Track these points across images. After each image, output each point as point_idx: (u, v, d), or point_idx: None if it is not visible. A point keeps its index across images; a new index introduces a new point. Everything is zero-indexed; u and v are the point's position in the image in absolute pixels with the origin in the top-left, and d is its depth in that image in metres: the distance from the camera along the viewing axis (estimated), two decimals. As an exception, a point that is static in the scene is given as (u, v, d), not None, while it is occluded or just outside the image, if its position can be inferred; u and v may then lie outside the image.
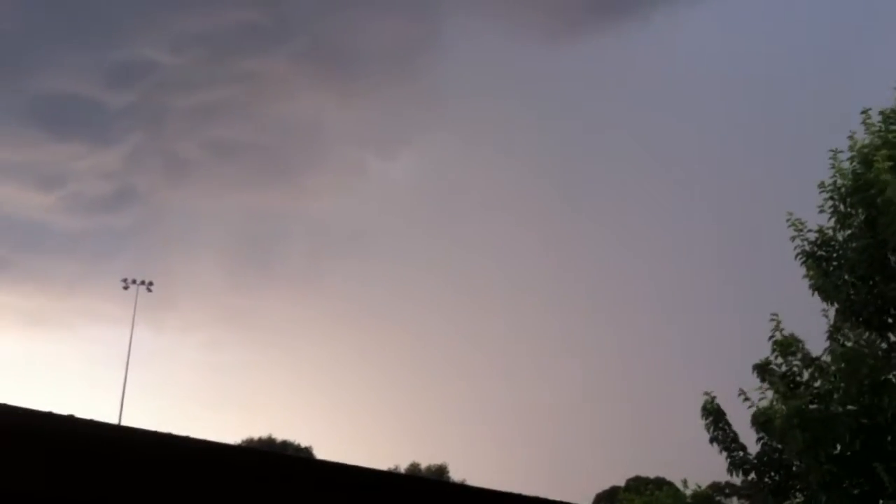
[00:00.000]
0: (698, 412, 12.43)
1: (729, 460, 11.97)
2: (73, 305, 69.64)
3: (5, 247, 67.36)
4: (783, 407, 11.05)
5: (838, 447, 10.85)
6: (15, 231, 67.70)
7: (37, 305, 68.63)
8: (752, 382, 12.14)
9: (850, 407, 11.00)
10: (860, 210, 11.77)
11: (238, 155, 71.42)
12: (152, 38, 63.41)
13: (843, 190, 11.97)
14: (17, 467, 5.48)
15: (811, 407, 11.06)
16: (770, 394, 11.78)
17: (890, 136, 11.70)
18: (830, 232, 12.17)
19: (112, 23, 62.48)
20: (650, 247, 69.03)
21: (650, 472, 40.38)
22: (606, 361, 65.51)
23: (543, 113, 71.20)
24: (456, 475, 48.58)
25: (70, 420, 6.02)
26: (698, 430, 12.52)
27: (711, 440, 12.08)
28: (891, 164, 11.04)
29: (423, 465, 49.91)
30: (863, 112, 12.14)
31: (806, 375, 11.83)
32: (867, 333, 11.19)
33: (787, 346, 11.91)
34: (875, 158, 11.23)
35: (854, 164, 11.94)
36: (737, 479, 12.51)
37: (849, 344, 11.41)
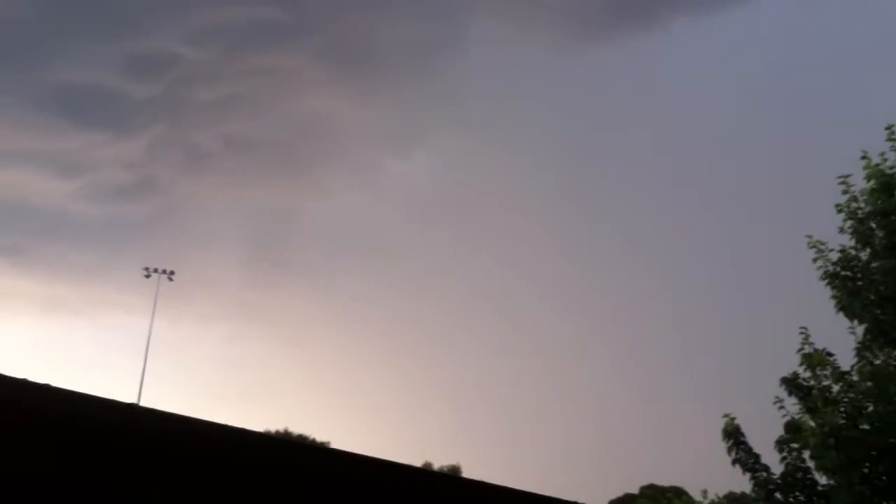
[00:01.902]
0: (715, 420, 12.51)
1: (753, 481, 11.97)
2: (91, 293, 70.06)
3: (24, 233, 67.72)
4: (813, 424, 11.01)
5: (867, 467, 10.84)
6: (34, 218, 68.06)
7: (54, 292, 69.04)
8: (771, 400, 12.26)
9: (877, 425, 10.98)
10: (881, 232, 11.85)
11: (256, 150, 71.56)
12: (174, 30, 63.68)
13: (860, 213, 12.03)
14: (27, 449, 5.53)
15: (841, 424, 11.00)
16: (797, 408, 11.85)
17: None
18: (853, 252, 12.15)
19: (136, 14, 62.75)
20: (671, 254, 68.78)
21: (665, 481, 40.12)
22: (623, 366, 65.36)
23: (561, 118, 70.83)
24: (469, 475, 48.55)
25: (83, 398, 6.06)
26: (715, 439, 12.58)
27: (734, 462, 12.08)
28: None
29: (437, 464, 49.97)
30: (888, 128, 12.13)
31: (836, 390, 11.78)
32: (894, 353, 11.16)
33: (816, 360, 11.90)
34: None
35: (871, 182, 11.97)
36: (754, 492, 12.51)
37: (878, 362, 11.36)
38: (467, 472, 49.52)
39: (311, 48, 67.49)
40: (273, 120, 71.34)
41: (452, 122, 70.52)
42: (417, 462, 47.63)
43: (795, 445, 11.70)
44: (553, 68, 70.81)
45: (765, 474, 11.90)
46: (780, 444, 11.82)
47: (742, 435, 12.18)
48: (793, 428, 11.78)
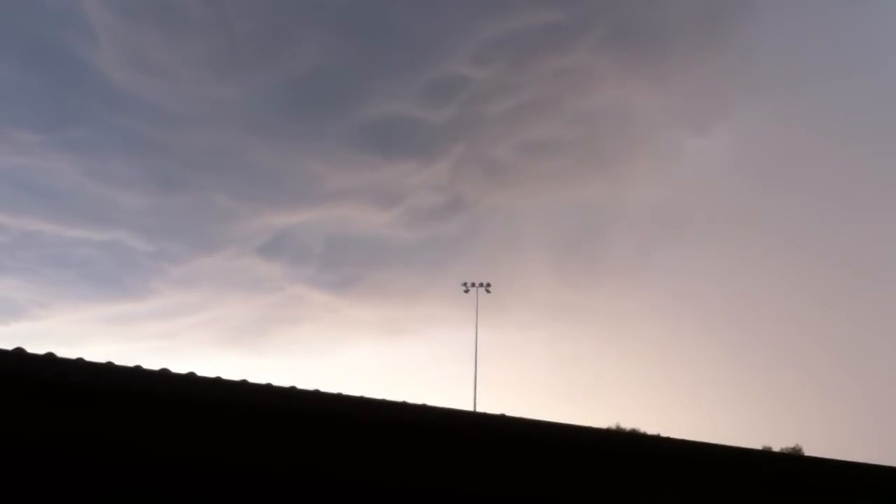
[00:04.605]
0: None
1: None
2: (418, 311, 74.71)
3: (356, 263, 73.82)
4: None
5: None
6: (363, 248, 74.12)
7: (388, 316, 74.40)
8: None
9: None
10: None
11: (554, 152, 72.84)
12: (459, 53, 66.53)
13: None
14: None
15: None
16: None
17: None
18: None
19: (422, 45, 66.40)
20: None
21: None
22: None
23: (864, 74, 65.44)
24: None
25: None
26: None
27: None
28: None
29: (776, 446, 47.79)
30: None
31: None
32: None
33: None
34: None
35: None
36: None
37: None
38: (811, 453, 46.76)
39: (595, 42, 67.75)
40: (567, 120, 72.39)
41: (750, 91, 67.61)
42: (757, 446, 45.50)
43: None
44: (846, 17, 65.67)
45: None
46: None
47: None
48: None
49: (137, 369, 6.10)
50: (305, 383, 6.87)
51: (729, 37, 65.91)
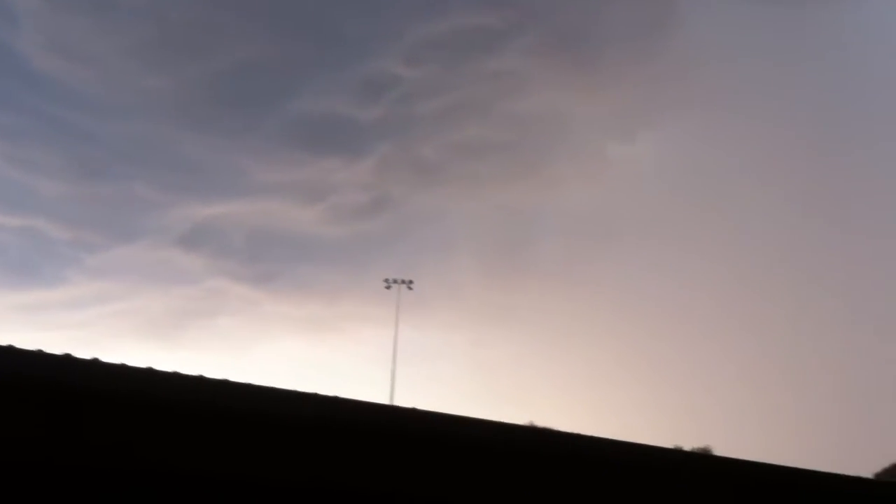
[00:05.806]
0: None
1: None
2: (340, 309, 74.13)
3: (279, 260, 73.00)
4: None
5: None
6: (286, 245, 73.27)
7: (309, 312, 73.70)
8: None
9: None
10: None
11: (482, 154, 73.12)
12: (392, 52, 66.47)
13: None
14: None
15: None
16: None
17: None
18: None
19: (354, 43, 66.12)
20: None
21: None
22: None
23: (795, 81, 67.24)
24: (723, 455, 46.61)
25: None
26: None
27: None
28: None
29: (687, 446, 48.77)
30: None
31: None
32: None
33: None
34: None
35: None
36: None
37: None
38: (721, 453, 47.75)
39: (527, 46, 68.21)
40: (496, 122, 72.83)
41: (678, 100, 68.73)
42: (668, 445, 46.03)
43: None
44: (780, 29, 67.44)
45: None
46: None
47: None
48: None
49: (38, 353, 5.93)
50: (222, 377, 6.73)
51: (660, 47, 67.03)
